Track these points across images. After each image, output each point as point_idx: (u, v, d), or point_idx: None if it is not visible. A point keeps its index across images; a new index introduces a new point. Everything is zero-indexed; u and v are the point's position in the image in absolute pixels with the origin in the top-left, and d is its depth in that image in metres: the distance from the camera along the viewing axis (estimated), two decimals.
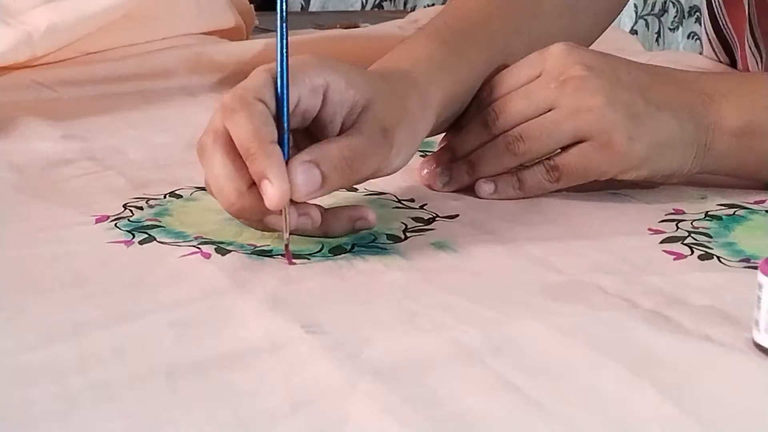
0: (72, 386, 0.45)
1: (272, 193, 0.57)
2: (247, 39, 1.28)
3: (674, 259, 0.61)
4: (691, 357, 0.48)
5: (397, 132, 0.63)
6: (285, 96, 0.59)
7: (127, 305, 0.54)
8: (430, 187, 0.74)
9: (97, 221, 0.66)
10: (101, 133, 0.91)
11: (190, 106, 1.02)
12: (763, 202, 0.71)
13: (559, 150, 0.70)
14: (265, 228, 0.61)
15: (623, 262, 0.60)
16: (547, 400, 0.44)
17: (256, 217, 0.60)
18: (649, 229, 0.65)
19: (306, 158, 0.59)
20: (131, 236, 0.64)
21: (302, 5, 2.43)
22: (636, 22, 2.88)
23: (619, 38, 1.29)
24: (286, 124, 0.59)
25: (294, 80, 0.60)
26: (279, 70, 0.59)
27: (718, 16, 1.10)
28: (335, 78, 0.61)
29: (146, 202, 0.70)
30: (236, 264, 0.59)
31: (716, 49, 1.13)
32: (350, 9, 2.49)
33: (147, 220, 0.67)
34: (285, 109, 0.59)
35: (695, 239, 0.64)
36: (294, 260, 0.59)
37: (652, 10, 2.90)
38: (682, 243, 0.63)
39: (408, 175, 0.75)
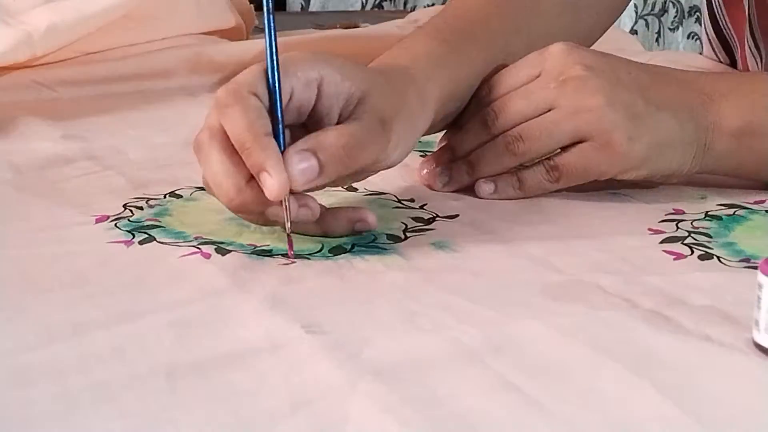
0: (72, 386, 0.45)
1: (272, 184, 0.57)
2: (247, 39, 1.28)
3: (674, 259, 0.61)
4: (691, 357, 0.48)
5: (396, 123, 0.63)
6: (276, 87, 0.59)
7: (127, 305, 0.54)
8: (430, 187, 0.74)
9: (97, 221, 0.66)
10: (101, 133, 0.91)
11: (190, 106, 1.02)
12: (763, 202, 0.71)
13: (559, 150, 0.70)
14: (266, 221, 0.61)
15: (623, 262, 0.60)
16: (547, 400, 0.44)
17: (257, 210, 0.60)
18: (649, 229, 0.65)
19: (302, 147, 0.59)
20: (131, 236, 0.64)
21: (302, 5, 2.43)
22: (636, 22, 2.88)
23: (619, 38, 1.29)
24: (280, 116, 0.59)
25: (286, 74, 0.60)
26: (269, 61, 0.59)
27: (718, 16, 1.10)
28: (330, 71, 0.61)
29: (146, 202, 0.70)
30: (236, 264, 0.59)
31: (716, 49, 1.13)
32: (350, 9, 2.49)
33: (147, 220, 0.67)
34: (278, 100, 0.59)
35: (695, 239, 0.64)
36: (293, 260, 0.59)
37: (652, 10, 2.90)
38: (682, 243, 0.63)
39: (408, 175, 0.75)
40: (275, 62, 0.59)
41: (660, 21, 2.91)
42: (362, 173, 0.63)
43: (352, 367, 0.46)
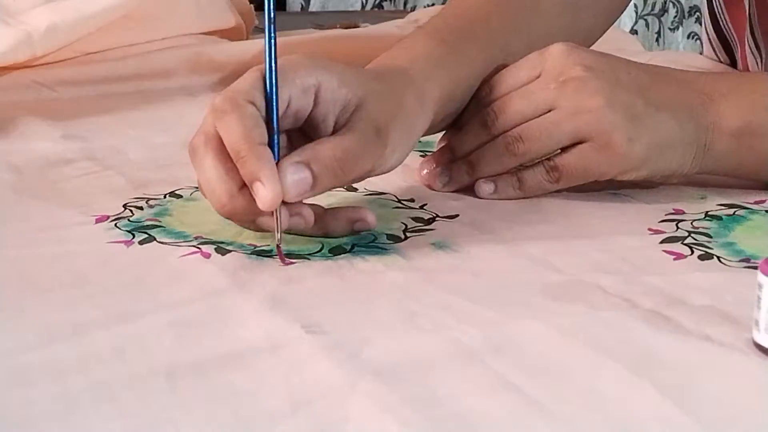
0: (72, 386, 0.45)
1: (264, 194, 0.57)
2: (247, 39, 1.28)
3: (674, 259, 0.61)
4: (691, 357, 0.48)
5: (392, 130, 0.63)
6: (274, 99, 0.59)
7: (127, 305, 0.54)
8: (430, 187, 0.74)
9: (97, 221, 0.66)
10: (101, 133, 0.91)
11: (190, 106, 1.02)
12: (763, 202, 0.71)
13: (559, 150, 0.70)
14: (258, 228, 0.61)
15: (623, 262, 0.60)
16: (547, 400, 0.44)
17: (248, 218, 0.60)
18: (649, 229, 0.65)
19: (297, 159, 0.59)
20: (131, 236, 0.64)
21: (302, 5, 2.43)
22: (636, 22, 2.88)
23: (619, 38, 1.29)
24: (275, 126, 0.59)
25: (285, 80, 0.60)
26: (267, 72, 0.59)
27: (718, 16, 1.10)
28: (327, 77, 0.61)
29: (146, 202, 0.70)
30: (236, 264, 0.59)
31: (716, 49, 1.13)
32: (350, 9, 2.49)
33: (147, 220, 0.67)
34: (274, 111, 0.59)
35: (695, 239, 0.64)
36: (293, 260, 0.59)
37: (652, 10, 2.90)
38: (682, 243, 0.63)
39: (408, 175, 0.75)
40: (273, 72, 0.59)
41: (660, 21, 2.91)
42: (359, 179, 0.63)
43: (352, 367, 0.46)
